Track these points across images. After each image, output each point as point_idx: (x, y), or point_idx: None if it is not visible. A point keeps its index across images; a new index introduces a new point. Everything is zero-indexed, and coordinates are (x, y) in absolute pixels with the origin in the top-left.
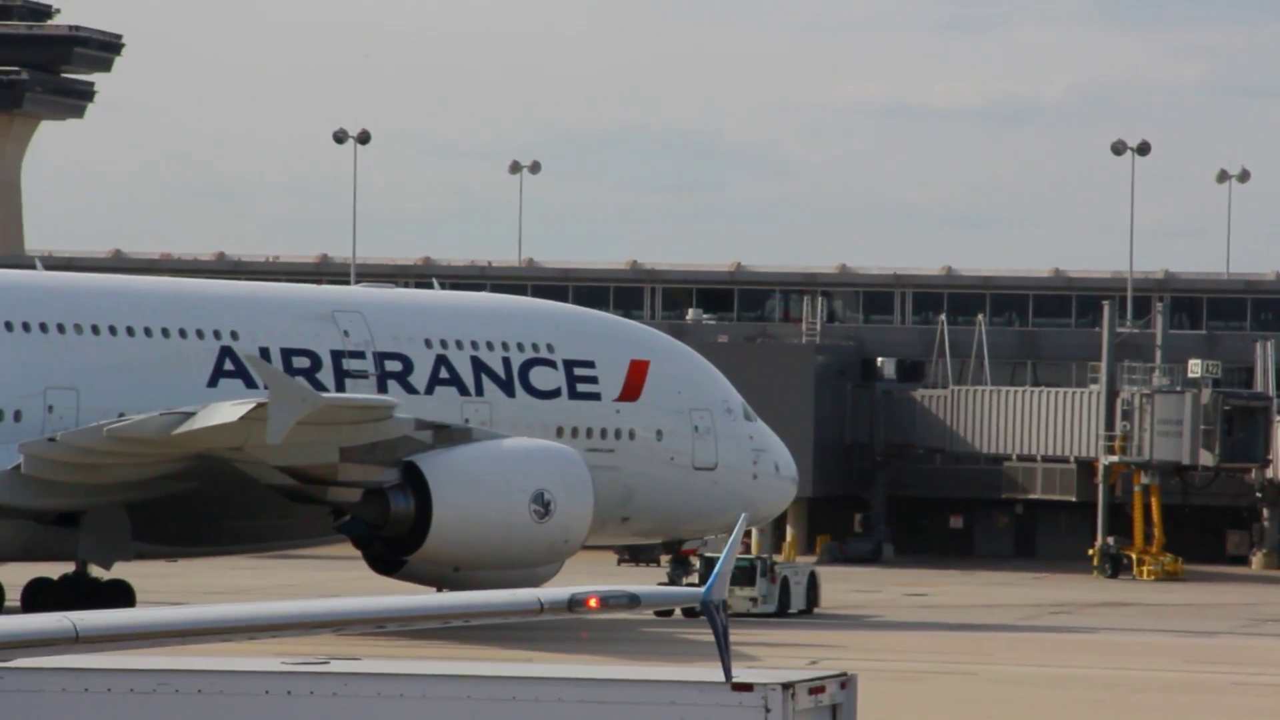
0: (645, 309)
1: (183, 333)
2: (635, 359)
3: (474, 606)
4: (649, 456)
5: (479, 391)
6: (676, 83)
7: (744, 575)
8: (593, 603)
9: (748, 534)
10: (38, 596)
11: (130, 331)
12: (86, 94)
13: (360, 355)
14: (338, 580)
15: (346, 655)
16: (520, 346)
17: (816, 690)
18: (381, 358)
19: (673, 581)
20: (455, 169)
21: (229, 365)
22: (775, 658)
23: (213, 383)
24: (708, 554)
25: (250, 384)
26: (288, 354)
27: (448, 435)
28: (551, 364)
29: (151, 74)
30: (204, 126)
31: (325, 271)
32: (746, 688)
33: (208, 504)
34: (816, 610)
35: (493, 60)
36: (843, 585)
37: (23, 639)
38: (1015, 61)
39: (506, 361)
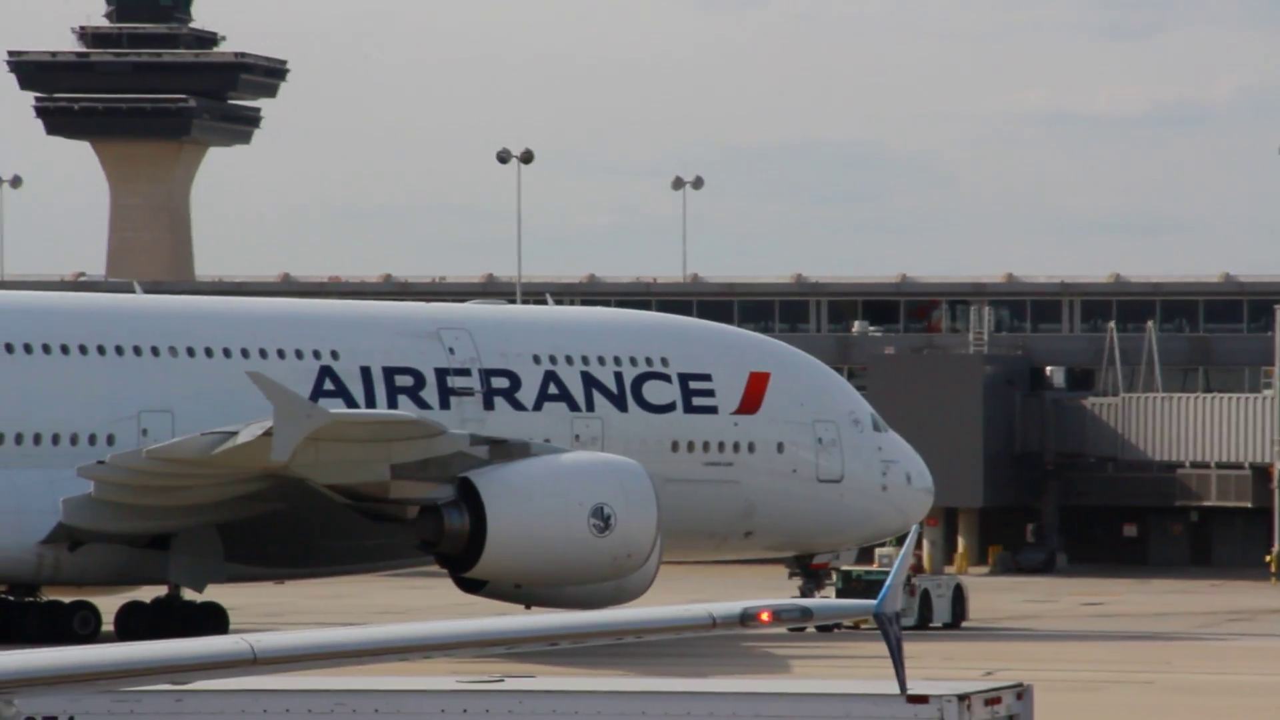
0: (810, 322)
1: (281, 353)
2: (755, 371)
3: (647, 622)
4: (770, 469)
5: (589, 407)
6: (838, 95)
7: (878, 588)
8: (765, 616)
9: (919, 546)
10: (130, 620)
11: (226, 353)
12: (253, 120)
13: (466, 373)
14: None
15: (521, 673)
16: (633, 361)
17: (993, 701)
18: (488, 375)
19: (804, 596)
20: (618, 186)
21: (329, 385)
22: (949, 670)
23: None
24: (843, 567)
25: (351, 403)
26: (389, 372)
27: (505, 450)
28: (666, 378)
29: (316, 99)
30: (369, 150)
31: (491, 291)
32: (922, 699)
33: (299, 525)
34: (964, 624)
35: (654, 78)
36: (1016, 596)
37: (201, 662)
38: (1180, 65)
39: (619, 376)
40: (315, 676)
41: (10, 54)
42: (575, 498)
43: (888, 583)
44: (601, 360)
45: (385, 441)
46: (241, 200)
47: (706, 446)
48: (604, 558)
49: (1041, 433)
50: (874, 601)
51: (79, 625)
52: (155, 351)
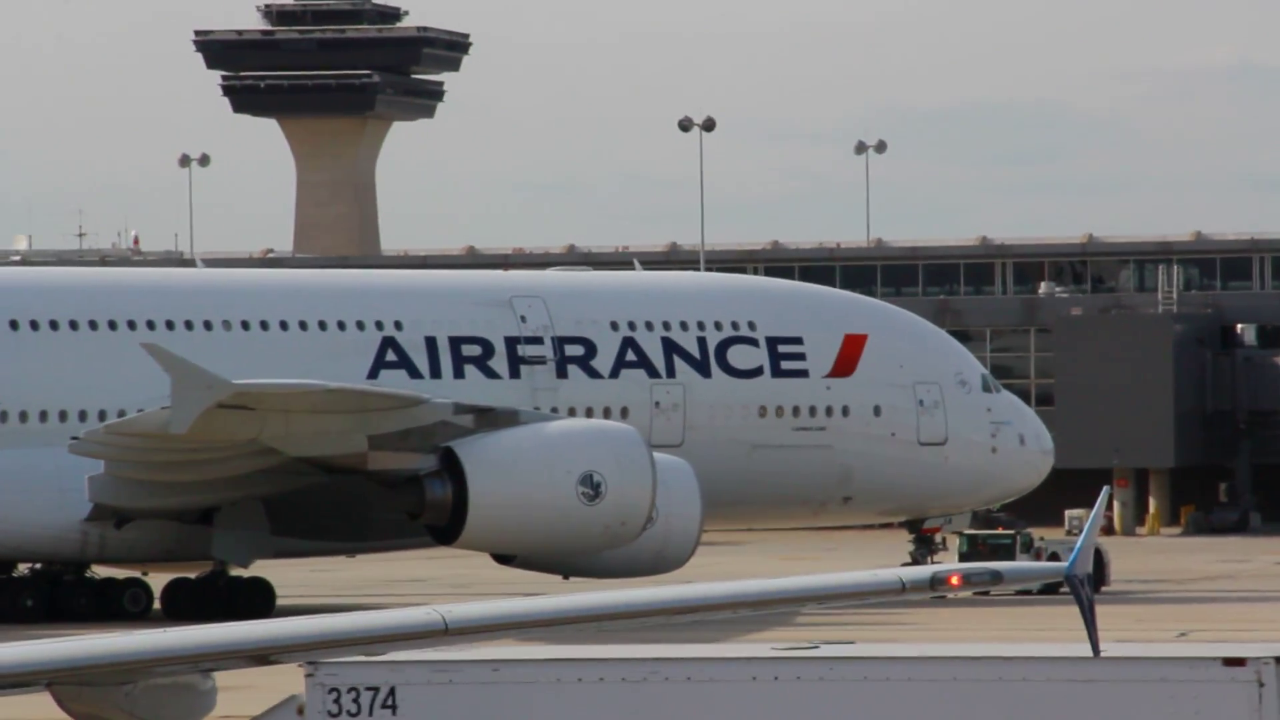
0: (996, 284)
1: (341, 325)
2: (850, 333)
3: (841, 587)
4: (866, 433)
5: (670, 373)
6: (1020, 55)
7: (1003, 552)
8: (954, 580)
9: (1109, 507)
10: (176, 597)
11: (284, 325)
12: (436, 94)
13: (538, 341)
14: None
15: (839, 639)
16: (719, 325)
17: None
18: (561, 342)
19: (915, 562)
20: (801, 152)
21: (391, 356)
22: (1142, 632)
23: (373, 374)
24: (967, 531)
25: (414, 374)
26: (456, 342)
27: (491, 419)
28: (753, 342)
29: (498, 71)
30: (551, 121)
31: (675, 260)
32: (1239, 662)
33: (351, 497)
34: (1105, 588)
35: (835, 42)
36: (1209, 556)
37: (395, 633)
38: None
39: (702, 341)
40: (626, 645)
41: (197, 34)
42: (562, 465)
43: (1079, 544)
44: (684, 325)
45: (361, 412)
46: (426, 174)
47: (797, 411)
48: (595, 527)
49: (1233, 391)
50: (1065, 564)
51: (130, 603)
52: (208, 326)
